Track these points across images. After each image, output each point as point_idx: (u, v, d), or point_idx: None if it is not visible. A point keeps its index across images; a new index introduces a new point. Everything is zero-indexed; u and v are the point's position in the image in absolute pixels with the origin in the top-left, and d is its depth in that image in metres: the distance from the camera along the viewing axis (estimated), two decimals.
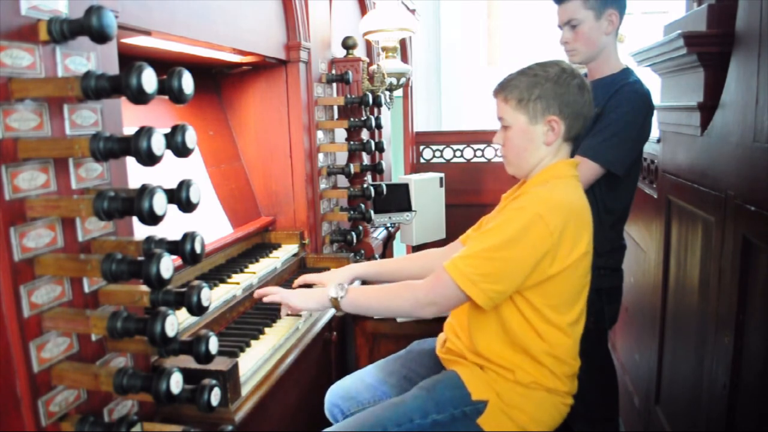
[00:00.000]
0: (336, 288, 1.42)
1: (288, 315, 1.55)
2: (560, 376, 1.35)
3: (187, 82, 0.89)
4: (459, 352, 1.43)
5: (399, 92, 3.76)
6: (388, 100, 2.62)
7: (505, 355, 1.34)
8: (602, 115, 1.73)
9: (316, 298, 1.46)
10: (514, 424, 1.32)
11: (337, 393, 1.60)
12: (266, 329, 1.51)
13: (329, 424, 1.57)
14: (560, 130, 1.34)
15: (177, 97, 0.88)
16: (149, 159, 0.83)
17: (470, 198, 3.86)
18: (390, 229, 2.99)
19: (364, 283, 1.83)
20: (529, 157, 1.38)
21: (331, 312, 1.77)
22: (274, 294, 1.51)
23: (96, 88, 0.85)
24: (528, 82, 1.33)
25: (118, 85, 0.84)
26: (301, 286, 1.65)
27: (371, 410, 1.39)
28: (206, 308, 0.96)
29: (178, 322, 0.92)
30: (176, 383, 0.91)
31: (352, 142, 2.25)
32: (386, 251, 2.93)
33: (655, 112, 1.87)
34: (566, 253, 1.27)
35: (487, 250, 1.25)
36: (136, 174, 1.09)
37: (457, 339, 1.45)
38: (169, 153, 0.87)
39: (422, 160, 4.07)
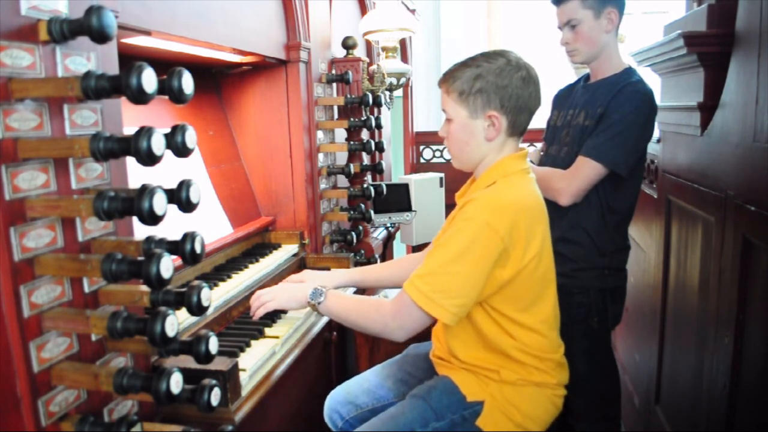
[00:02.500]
0: (314, 293, 1.41)
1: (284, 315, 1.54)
2: (546, 370, 1.35)
3: (187, 82, 0.89)
4: (446, 358, 1.44)
5: (399, 92, 3.76)
6: (388, 100, 2.62)
7: (486, 358, 1.34)
8: (605, 115, 1.73)
9: (298, 299, 1.45)
10: (512, 422, 1.32)
11: (337, 398, 1.60)
12: (266, 329, 1.51)
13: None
14: (501, 125, 1.30)
15: (177, 97, 0.88)
16: (149, 159, 0.83)
17: None
18: (390, 229, 2.99)
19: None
20: (471, 152, 1.35)
21: None
22: (267, 302, 1.48)
23: (96, 88, 0.85)
24: (470, 74, 1.29)
25: (118, 85, 0.84)
26: None
27: (370, 424, 1.39)
28: (206, 308, 0.96)
29: (178, 322, 0.92)
30: (176, 383, 0.91)
31: (352, 142, 2.25)
32: (386, 251, 2.93)
33: None
34: (520, 255, 1.25)
35: (441, 266, 1.23)
36: (136, 174, 1.09)
37: (440, 345, 1.46)
38: (169, 153, 0.87)
39: (422, 160, 4.07)
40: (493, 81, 1.28)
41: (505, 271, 1.25)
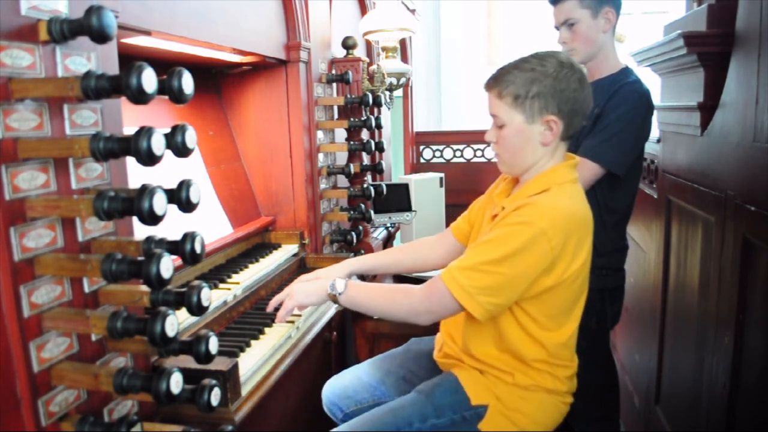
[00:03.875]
0: (335, 283, 1.39)
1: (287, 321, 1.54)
2: (560, 377, 1.34)
3: (187, 82, 0.89)
4: (456, 356, 1.42)
5: (399, 92, 3.76)
6: (388, 100, 2.62)
7: (502, 359, 1.33)
8: (602, 116, 1.73)
9: (317, 293, 1.43)
10: (515, 426, 1.32)
11: (334, 391, 1.59)
12: (266, 329, 1.51)
13: (329, 423, 1.57)
14: (558, 130, 1.27)
15: (177, 97, 0.88)
16: (149, 159, 0.83)
17: (470, 198, 3.80)
18: (390, 229, 2.99)
19: (362, 277, 1.82)
20: (525, 157, 1.32)
21: (331, 312, 1.77)
22: (285, 300, 1.47)
23: (96, 88, 0.85)
24: (525, 78, 1.25)
25: (118, 85, 0.84)
26: None
27: (369, 415, 1.38)
28: (206, 308, 0.96)
29: (178, 322, 0.92)
30: (176, 383, 0.91)
31: (352, 142, 2.25)
32: None
33: (655, 112, 1.87)
34: (565, 267, 1.24)
35: (487, 264, 1.21)
36: (136, 174, 1.09)
37: (453, 343, 1.44)
38: (169, 153, 0.87)
39: (422, 160, 4.07)
40: (550, 84, 1.24)
41: (548, 280, 1.24)
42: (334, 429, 1.40)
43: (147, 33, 1.29)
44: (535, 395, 1.33)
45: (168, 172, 1.50)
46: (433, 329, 1.53)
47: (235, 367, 1.17)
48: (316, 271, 1.66)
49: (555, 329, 1.30)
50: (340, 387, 1.59)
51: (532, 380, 1.32)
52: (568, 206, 1.26)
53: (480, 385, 1.35)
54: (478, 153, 3.98)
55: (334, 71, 2.32)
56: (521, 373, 1.32)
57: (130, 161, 0.90)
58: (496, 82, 1.29)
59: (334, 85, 2.34)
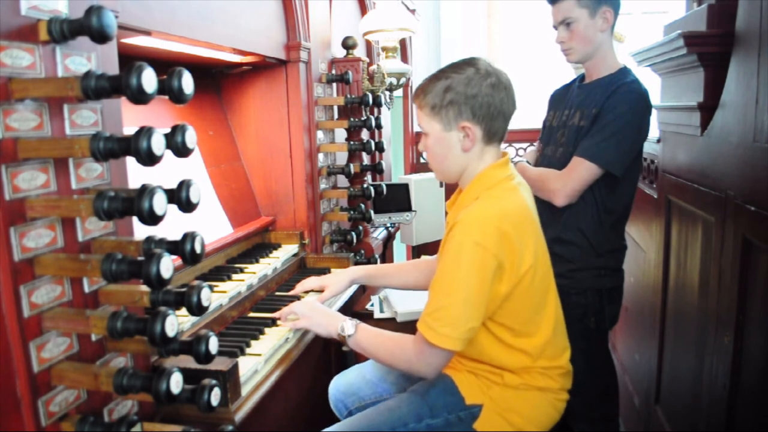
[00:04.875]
0: (345, 325, 1.40)
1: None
2: (551, 375, 1.35)
3: (187, 82, 0.89)
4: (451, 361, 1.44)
5: (399, 92, 3.76)
6: (388, 100, 2.62)
7: (493, 360, 1.35)
8: (600, 116, 1.73)
9: (327, 329, 1.44)
10: (511, 426, 1.32)
11: (339, 388, 1.62)
12: (266, 329, 1.51)
13: (329, 423, 1.57)
14: (476, 135, 1.29)
15: (177, 97, 0.88)
16: (149, 159, 0.83)
17: None
18: (390, 229, 2.99)
19: (362, 286, 1.83)
20: (450, 164, 1.35)
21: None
22: (300, 320, 1.48)
23: (96, 88, 0.85)
24: (439, 87, 1.29)
25: (118, 85, 0.84)
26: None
27: (366, 414, 1.40)
28: (206, 308, 0.96)
29: (178, 322, 0.92)
30: (176, 383, 0.91)
31: (352, 142, 2.25)
32: (386, 251, 2.93)
33: (655, 112, 1.87)
34: (515, 268, 1.25)
35: (444, 297, 1.23)
36: (136, 174, 1.09)
37: None
38: (169, 153, 0.87)
39: (422, 160, 4.07)
40: (462, 91, 1.27)
41: (503, 286, 1.25)
42: (330, 428, 1.41)
43: (147, 33, 1.29)
44: (527, 394, 1.34)
45: (168, 172, 1.50)
46: None
47: (235, 367, 1.17)
48: (322, 277, 1.70)
49: (533, 333, 1.32)
50: (345, 384, 1.62)
51: (521, 380, 1.33)
52: (496, 210, 1.26)
53: (474, 386, 1.36)
54: None
55: (334, 71, 2.32)
56: (510, 374, 1.33)
57: (130, 161, 0.90)
58: (417, 94, 1.35)
59: (334, 85, 2.34)
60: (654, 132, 1.94)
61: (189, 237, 0.92)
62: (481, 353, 1.34)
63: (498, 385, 1.34)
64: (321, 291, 1.70)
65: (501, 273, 1.24)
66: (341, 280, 1.67)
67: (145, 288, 0.92)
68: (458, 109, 1.28)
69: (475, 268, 1.21)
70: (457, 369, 1.41)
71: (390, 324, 2.11)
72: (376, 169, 2.30)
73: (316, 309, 1.49)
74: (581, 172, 1.72)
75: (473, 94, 1.27)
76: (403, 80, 2.56)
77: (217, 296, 1.52)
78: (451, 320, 1.22)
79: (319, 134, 2.19)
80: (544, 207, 1.70)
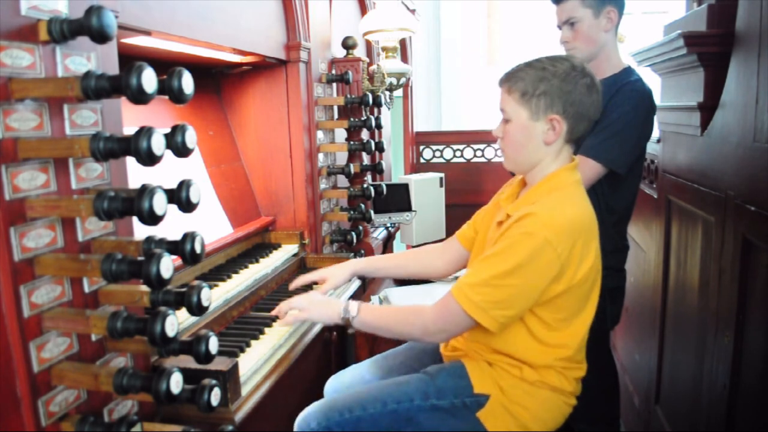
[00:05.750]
0: (348, 306, 1.40)
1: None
2: (567, 377, 1.35)
3: (187, 82, 0.89)
4: (465, 348, 1.44)
5: (399, 92, 3.76)
6: (388, 100, 2.62)
7: (517, 353, 1.34)
8: (604, 115, 1.73)
9: (330, 315, 1.43)
10: (516, 421, 1.32)
11: (335, 388, 1.61)
12: (266, 329, 1.51)
13: None
14: (561, 129, 1.29)
15: (177, 97, 0.88)
16: (149, 159, 0.83)
17: (470, 198, 3.86)
18: (390, 229, 2.99)
19: (362, 278, 1.82)
20: (527, 155, 1.34)
21: None
22: (299, 313, 1.45)
23: (96, 88, 0.85)
24: (534, 76, 1.28)
25: (118, 85, 0.84)
26: (298, 289, 1.66)
27: (374, 384, 1.42)
28: (206, 308, 0.96)
29: (178, 322, 0.92)
30: (176, 383, 0.91)
31: (352, 142, 2.25)
32: (386, 251, 2.93)
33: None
34: (574, 271, 1.26)
35: (496, 277, 1.23)
36: (136, 174, 1.09)
37: (461, 336, 1.45)
38: (169, 153, 0.87)
39: (422, 160, 4.07)
40: (557, 85, 1.27)
41: (559, 286, 1.26)
42: (339, 396, 1.42)
43: (147, 33, 1.29)
44: (540, 391, 1.33)
45: (168, 172, 1.50)
46: None
47: (235, 367, 1.17)
48: (319, 270, 1.66)
49: (564, 328, 1.32)
50: (341, 384, 1.61)
51: (539, 376, 1.33)
52: (570, 212, 1.27)
53: (486, 375, 1.35)
54: (478, 153, 3.98)
55: (334, 71, 2.32)
56: (529, 368, 1.33)
57: (130, 161, 0.90)
58: (507, 79, 1.33)
59: (334, 85, 2.34)
60: (654, 132, 1.94)
61: (189, 237, 0.92)
62: (507, 343, 1.33)
63: (514, 377, 1.33)
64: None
65: (561, 275, 1.24)
66: (342, 272, 1.65)
67: (145, 288, 0.92)
68: (550, 100, 1.27)
69: (539, 263, 1.22)
70: (474, 358, 1.40)
71: None
72: (376, 169, 2.30)
73: (314, 300, 1.48)
74: (585, 170, 1.71)
75: (568, 90, 1.27)
76: (403, 80, 2.56)
77: (217, 296, 1.52)
78: (496, 299, 1.23)
79: (319, 134, 2.19)
80: None
